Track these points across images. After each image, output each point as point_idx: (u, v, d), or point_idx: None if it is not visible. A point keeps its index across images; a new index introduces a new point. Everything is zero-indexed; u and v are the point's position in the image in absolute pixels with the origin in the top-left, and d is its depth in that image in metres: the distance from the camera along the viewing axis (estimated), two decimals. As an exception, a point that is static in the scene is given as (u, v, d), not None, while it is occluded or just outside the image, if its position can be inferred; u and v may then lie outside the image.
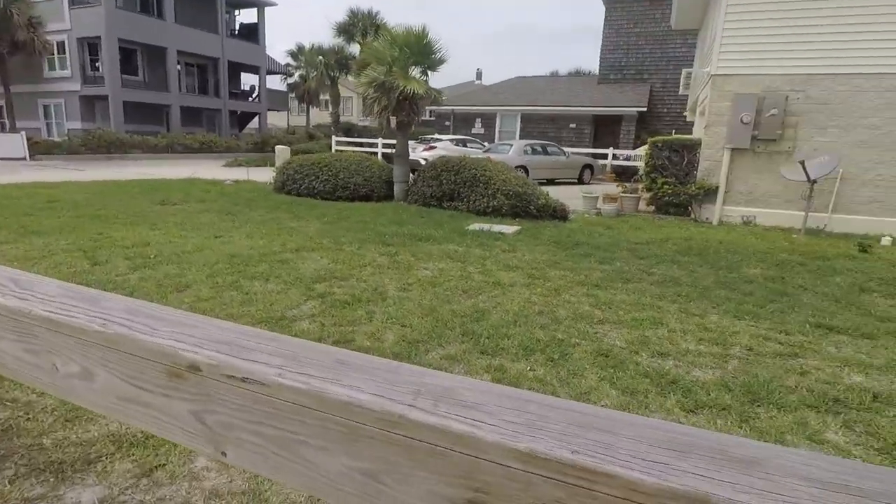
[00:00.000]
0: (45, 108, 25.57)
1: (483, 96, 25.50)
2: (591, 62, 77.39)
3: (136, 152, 21.87)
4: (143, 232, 6.62)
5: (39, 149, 19.05)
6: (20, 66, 23.25)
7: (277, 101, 35.58)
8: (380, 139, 20.70)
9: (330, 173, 10.43)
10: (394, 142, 11.25)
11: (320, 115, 39.28)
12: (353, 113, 40.90)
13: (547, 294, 4.62)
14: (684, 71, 17.53)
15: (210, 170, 16.51)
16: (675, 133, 15.76)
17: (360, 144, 22.30)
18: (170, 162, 20.33)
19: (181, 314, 0.65)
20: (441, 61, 9.79)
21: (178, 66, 27.57)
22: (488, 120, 23.95)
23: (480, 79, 42.92)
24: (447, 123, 24.70)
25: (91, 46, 24.68)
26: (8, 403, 2.53)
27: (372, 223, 7.77)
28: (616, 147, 20.08)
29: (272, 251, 5.81)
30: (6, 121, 23.76)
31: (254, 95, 34.09)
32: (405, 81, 9.23)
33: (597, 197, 10.47)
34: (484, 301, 4.37)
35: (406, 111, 9.76)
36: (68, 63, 24.34)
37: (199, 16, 28.14)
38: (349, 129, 30.91)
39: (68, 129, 24.68)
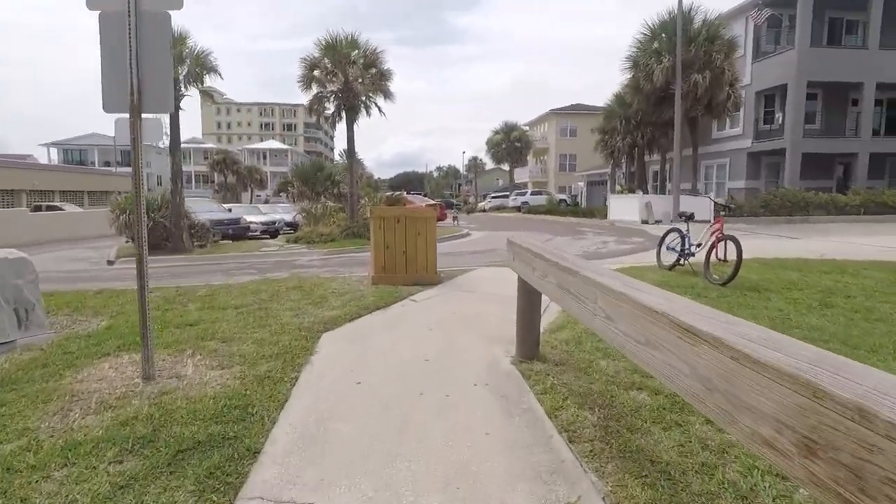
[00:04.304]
0: (707, 168, 25.47)
1: None
2: None
3: (818, 213, 17.72)
4: None
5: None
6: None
7: None
8: None
9: None
10: None
11: None
12: None
13: None
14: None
15: None
16: None
17: None
18: (864, 227, 14.85)
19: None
20: None
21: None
22: None
23: None
24: None
25: (767, 99, 22.60)
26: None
27: None
28: None
29: None
30: (669, 184, 24.87)
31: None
32: None
33: None
34: None
35: None
36: (740, 120, 23.14)
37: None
38: None
39: (729, 189, 23.51)
